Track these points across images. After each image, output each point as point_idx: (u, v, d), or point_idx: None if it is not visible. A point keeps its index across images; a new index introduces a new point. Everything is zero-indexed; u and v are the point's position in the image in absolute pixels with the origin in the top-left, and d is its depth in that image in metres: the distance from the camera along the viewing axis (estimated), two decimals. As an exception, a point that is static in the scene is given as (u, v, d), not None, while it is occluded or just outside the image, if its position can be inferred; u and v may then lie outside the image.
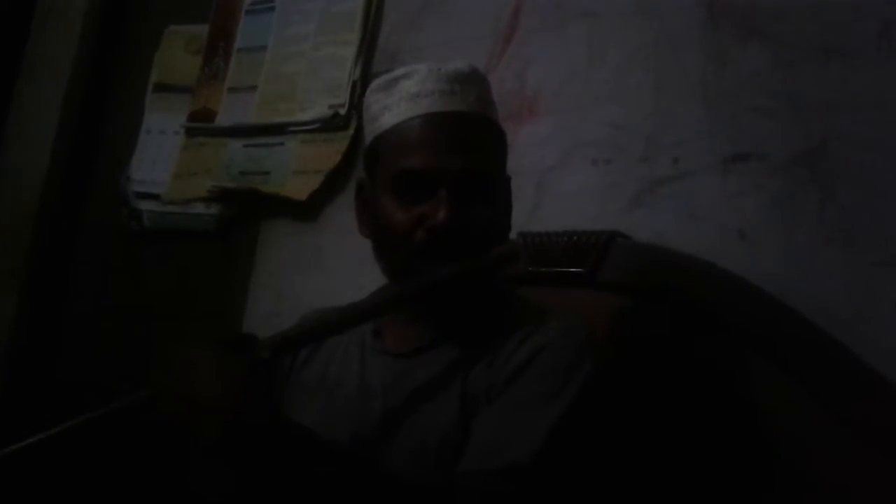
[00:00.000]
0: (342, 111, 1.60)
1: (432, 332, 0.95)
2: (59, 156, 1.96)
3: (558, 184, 1.34)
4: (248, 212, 1.70)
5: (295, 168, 1.63)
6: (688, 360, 1.08)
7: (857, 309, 1.06)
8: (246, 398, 0.77)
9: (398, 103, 0.95)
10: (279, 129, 1.68)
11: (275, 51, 1.74)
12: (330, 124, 1.61)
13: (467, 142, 0.93)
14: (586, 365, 0.87)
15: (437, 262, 0.90)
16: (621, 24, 1.35)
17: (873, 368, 0.99)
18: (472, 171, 0.92)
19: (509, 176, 1.03)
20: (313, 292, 1.56)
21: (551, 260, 1.18)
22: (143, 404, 0.82)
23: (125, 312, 1.80)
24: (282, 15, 1.75)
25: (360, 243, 1.03)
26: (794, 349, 1.03)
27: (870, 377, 0.99)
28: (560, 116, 1.37)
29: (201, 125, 1.80)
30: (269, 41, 1.76)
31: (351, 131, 1.58)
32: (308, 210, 1.61)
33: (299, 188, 1.61)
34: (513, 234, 1.22)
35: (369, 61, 1.63)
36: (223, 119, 1.77)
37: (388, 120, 0.96)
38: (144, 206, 1.81)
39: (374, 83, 1.02)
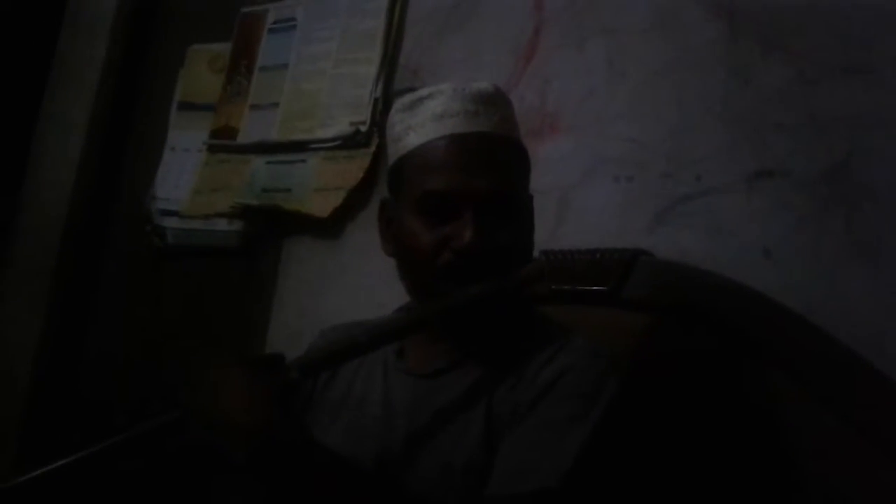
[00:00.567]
0: (363, 128, 1.61)
1: (456, 352, 0.95)
2: (85, 175, 1.98)
3: (580, 201, 1.34)
4: (270, 229, 1.71)
5: (316, 185, 1.64)
6: (712, 377, 1.07)
7: (882, 326, 1.05)
8: (275, 419, 0.78)
9: (422, 124, 0.96)
10: (301, 147, 1.69)
11: (296, 69, 1.76)
12: (351, 141, 1.62)
13: (491, 163, 0.94)
14: (611, 387, 0.87)
15: (462, 283, 0.90)
16: (642, 40, 1.35)
17: (898, 385, 0.98)
18: (496, 192, 0.92)
19: (532, 195, 1.03)
20: (336, 309, 1.56)
21: (574, 278, 1.17)
22: (173, 425, 0.83)
23: (149, 329, 1.81)
24: (303, 33, 1.77)
25: (383, 261, 1.03)
26: (819, 367, 1.02)
27: (894, 393, 0.98)
28: (581, 133, 1.37)
29: (223, 142, 1.81)
30: (291, 59, 1.77)
31: (372, 148, 1.59)
32: (330, 227, 1.62)
33: (321, 205, 1.62)
34: (535, 253, 1.23)
35: (391, 79, 1.64)
36: (245, 136, 1.79)
37: (412, 140, 0.96)
38: (168, 223, 1.83)
39: (398, 103, 1.02)
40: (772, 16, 1.23)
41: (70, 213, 1.96)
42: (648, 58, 1.33)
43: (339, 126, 1.64)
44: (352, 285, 1.58)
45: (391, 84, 1.63)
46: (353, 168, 1.60)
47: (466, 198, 0.91)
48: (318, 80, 1.71)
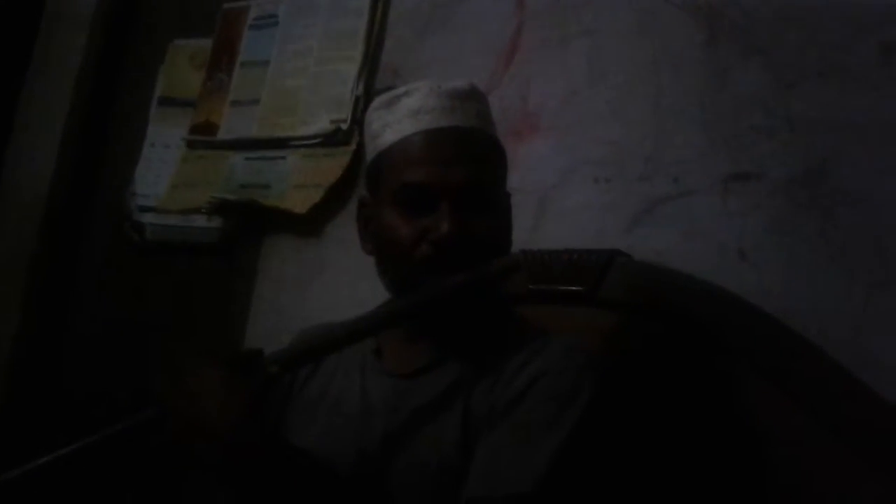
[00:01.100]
0: (344, 126, 1.61)
1: (433, 351, 0.95)
2: (63, 170, 1.96)
3: (559, 202, 1.35)
4: (250, 226, 1.71)
5: (296, 182, 1.64)
6: (685, 378, 1.08)
7: (855, 329, 1.06)
8: (247, 419, 0.78)
9: (400, 120, 0.97)
10: (281, 143, 1.69)
11: (278, 65, 1.75)
12: (331, 139, 1.62)
13: (468, 155, 0.94)
14: (587, 389, 0.87)
15: (440, 275, 0.91)
16: (622, 42, 1.36)
17: (870, 388, 0.99)
18: (473, 183, 0.93)
19: (509, 193, 1.04)
20: (316, 306, 1.56)
21: (552, 278, 1.18)
22: (150, 422, 0.82)
23: (128, 326, 1.80)
24: (285, 30, 1.76)
25: (362, 257, 1.03)
26: (792, 368, 1.03)
27: (867, 397, 0.99)
28: (561, 134, 1.38)
29: (203, 138, 1.80)
30: (273, 56, 1.76)
31: (352, 146, 1.59)
32: (310, 224, 1.62)
33: (300, 201, 1.61)
34: (514, 251, 1.23)
35: (372, 77, 1.63)
36: (225, 132, 1.77)
37: (389, 137, 0.97)
38: (146, 218, 1.81)
39: (376, 101, 1.03)
40: (750, 20, 1.24)
41: (48, 208, 1.94)
42: (629, 60, 1.34)
43: (320, 124, 1.63)
44: (331, 282, 1.58)
45: (372, 83, 1.63)
46: (332, 165, 1.59)
47: (443, 190, 0.92)
48: (300, 78, 1.70)
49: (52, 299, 1.92)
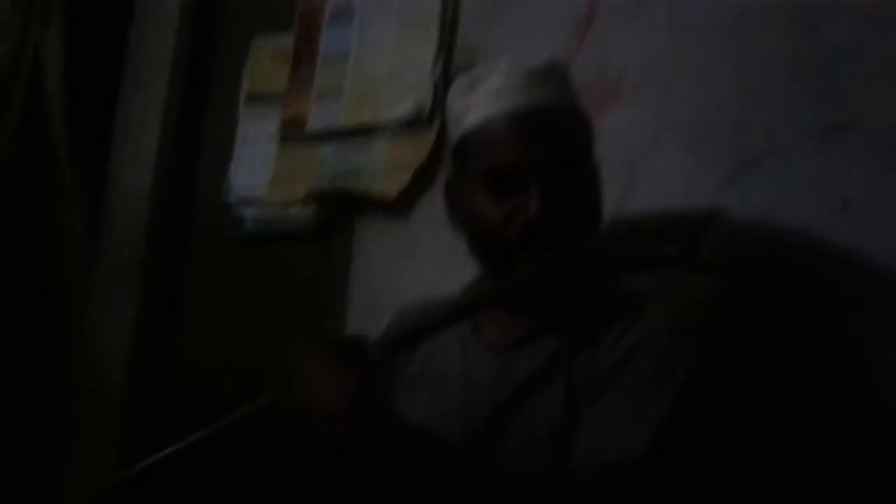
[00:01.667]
0: (426, 108, 1.63)
1: (531, 324, 0.96)
2: (163, 169, 2.06)
3: (648, 168, 1.33)
4: (342, 211, 1.75)
5: (384, 167, 1.67)
6: (793, 336, 1.06)
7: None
8: (363, 403, 0.80)
9: (481, 101, 0.97)
10: (367, 131, 1.72)
11: (357, 56, 1.79)
12: (415, 122, 1.64)
13: (552, 133, 0.94)
14: (690, 354, 0.87)
15: (533, 255, 0.91)
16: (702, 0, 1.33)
17: None
18: (559, 161, 0.93)
19: (597, 164, 1.03)
20: (410, 286, 1.59)
21: (648, 242, 1.17)
22: (263, 413, 0.86)
23: (233, 313, 1.88)
24: (362, 21, 1.79)
25: (452, 237, 1.05)
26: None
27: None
28: (645, 99, 1.36)
29: (293, 132, 1.86)
30: (352, 47, 1.80)
31: (436, 127, 1.61)
32: (400, 206, 1.65)
33: (390, 187, 1.65)
34: (605, 221, 1.23)
35: (450, 58, 1.65)
36: (313, 125, 1.82)
37: (471, 119, 0.97)
38: (246, 212, 1.89)
39: (456, 84, 1.04)
40: (839, -36, 1.19)
41: (151, 206, 2.04)
42: (711, 16, 1.31)
43: (403, 108, 1.66)
44: (424, 261, 1.60)
45: (450, 63, 1.64)
46: (418, 148, 1.62)
47: (530, 170, 0.92)
48: (379, 65, 1.73)
49: (163, 296, 2.03)
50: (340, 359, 0.84)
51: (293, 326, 1.76)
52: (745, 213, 1.17)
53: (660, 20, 1.37)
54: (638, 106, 1.37)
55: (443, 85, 1.61)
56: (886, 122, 1.12)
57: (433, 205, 1.57)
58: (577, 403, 0.88)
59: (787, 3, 1.23)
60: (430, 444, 0.81)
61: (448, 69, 1.64)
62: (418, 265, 1.61)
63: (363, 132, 1.72)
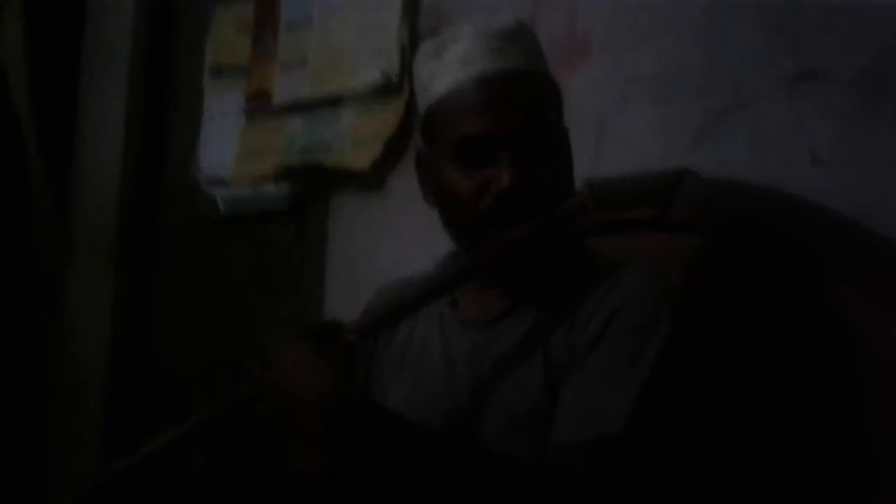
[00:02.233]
0: (394, 76, 1.60)
1: (508, 298, 0.96)
2: (131, 151, 2.02)
3: (619, 126, 1.32)
4: (316, 187, 1.74)
5: (354, 138, 1.65)
6: (768, 291, 1.06)
7: (941, 221, 1.03)
8: (341, 390, 0.80)
9: (448, 69, 0.95)
10: (334, 101, 1.69)
11: (320, 22, 1.75)
12: (383, 91, 1.62)
13: (522, 101, 0.93)
14: (665, 319, 0.88)
15: (505, 226, 0.91)
16: (667, -49, 1.30)
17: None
18: (530, 130, 0.92)
19: (567, 128, 1.02)
20: (388, 259, 1.59)
21: (620, 205, 1.17)
22: (245, 404, 0.86)
23: (210, 297, 1.87)
24: (323, -16, 1.75)
25: (428, 208, 1.04)
26: (877, 270, 1.01)
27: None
28: (613, 56, 1.35)
29: (258, 105, 1.82)
30: (314, 13, 1.76)
31: (405, 95, 1.58)
32: (373, 178, 1.63)
33: (361, 158, 1.63)
34: (579, 183, 1.22)
35: (415, 21, 1.62)
36: (279, 97, 1.79)
37: (440, 87, 0.95)
38: (217, 192, 1.86)
39: (421, 50, 1.01)
40: None
41: (121, 190, 2.00)
42: (676, -32, 1.29)
43: (370, 76, 1.63)
44: (400, 234, 1.60)
45: (416, 27, 1.61)
46: (388, 117, 1.60)
47: (501, 140, 0.91)
48: (343, 32, 1.70)
49: (138, 276, 2.01)
50: (318, 345, 0.84)
51: (272, 305, 1.75)
52: (716, 167, 1.17)
53: (624, -26, 1.34)
54: (606, 62, 1.36)
55: (409, 49, 1.58)
56: (853, 67, 1.11)
57: (406, 175, 1.56)
58: (556, 377, 0.88)
59: (750, -49, 1.22)
60: (410, 428, 0.82)
61: (414, 32, 1.61)
62: (395, 239, 1.60)
63: (331, 103, 1.70)
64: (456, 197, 0.94)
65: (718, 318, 1.03)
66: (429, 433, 0.83)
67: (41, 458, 1.97)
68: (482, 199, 0.92)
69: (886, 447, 0.97)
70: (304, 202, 1.76)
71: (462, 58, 0.94)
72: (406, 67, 1.57)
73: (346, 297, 1.60)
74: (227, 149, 1.86)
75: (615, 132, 1.33)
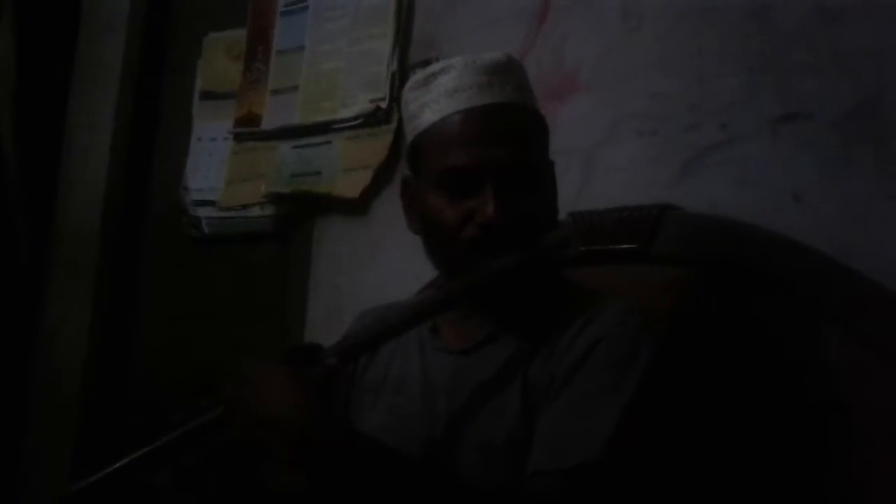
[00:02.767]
0: (383, 105, 1.61)
1: (489, 326, 0.96)
2: (116, 171, 2.02)
3: (605, 159, 1.34)
4: (302, 211, 1.74)
5: (344, 166, 1.66)
6: (749, 328, 1.07)
7: (921, 263, 1.04)
8: (315, 413, 0.79)
9: (436, 100, 0.96)
10: (324, 128, 1.70)
11: (312, 50, 1.77)
12: (373, 119, 1.63)
13: (509, 133, 0.94)
14: (645, 351, 0.88)
15: (489, 257, 0.91)
16: (656, -11, 1.33)
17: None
18: (515, 162, 0.92)
19: (552, 161, 1.03)
20: (372, 285, 1.59)
21: (604, 237, 1.18)
22: (215, 422, 0.84)
23: (192, 318, 1.86)
24: (316, 13, 1.77)
25: (413, 234, 1.04)
26: (859, 309, 1.02)
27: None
28: (601, 91, 1.36)
29: (248, 130, 1.83)
30: (306, 41, 1.78)
31: (394, 124, 1.60)
32: (360, 205, 1.64)
33: (350, 186, 1.63)
34: (563, 214, 1.23)
35: (406, 52, 1.63)
36: (269, 122, 1.80)
37: (427, 117, 0.97)
38: (203, 213, 1.86)
39: (411, 80, 1.03)
40: (788, -47, 1.20)
41: (105, 209, 2.01)
42: (664, 9, 1.31)
43: (360, 104, 1.65)
44: (385, 260, 1.60)
45: (407, 58, 1.63)
46: (377, 146, 1.61)
47: (486, 171, 0.91)
48: (335, 60, 1.71)
49: (119, 300, 1.99)
50: (294, 368, 0.84)
51: (253, 327, 1.74)
52: (700, 204, 1.18)
53: (613, 12, 1.37)
54: (593, 98, 1.37)
55: (400, 79, 1.60)
56: (836, 111, 1.13)
57: (393, 202, 1.55)
58: (535, 405, 0.88)
59: (737, -7, 1.24)
60: (385, 453, 0.81)
61: (405, 63, 1.63)
62: (380, 264, 1.60)
63: (320, 129, 1.70)
64: (440, 225, 0.94)
65: (701, 353, 1.03)
66: (403, 459, 0.82)
67: (15, 474, 1.93)
68: (466, 228, 0.92)
69: (874, 487, 0.96)
70: (289, 225, 1.75)
71: (451, 90, 0.95)
72: (396, 96, 1.58)
73: (329, 321, 1.60)
74: (215, 172, 1.86)
75: (601, 165, 1.34)
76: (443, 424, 0.92)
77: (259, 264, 1.79)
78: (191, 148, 1.93)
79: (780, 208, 1.14)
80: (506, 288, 0.93)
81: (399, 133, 1.57)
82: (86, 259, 1.99)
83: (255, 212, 1.78)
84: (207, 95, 1.95)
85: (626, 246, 1.15)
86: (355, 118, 1.65)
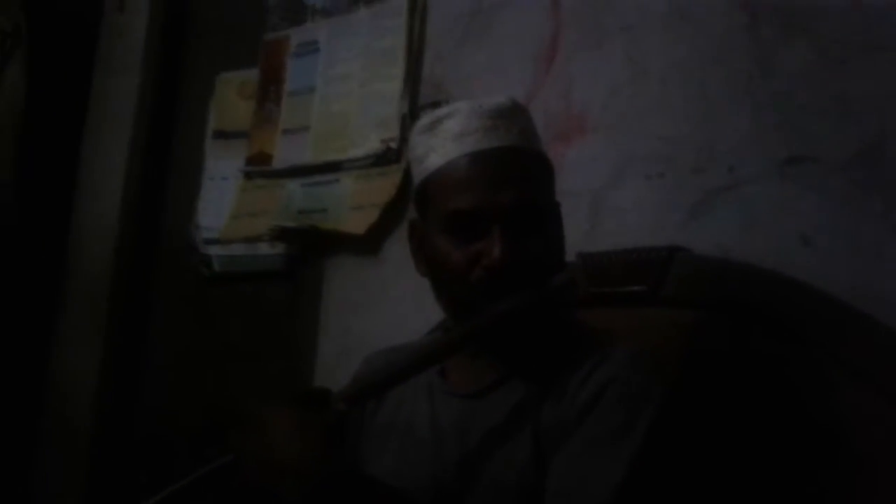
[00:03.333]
0: (393, 145, 1.63)
1: (498, 369, 0.96)
2: (129, 209, 2.04)
3: (613, 201, 1.34)
4: (312, 249, 1.75)
5: (351, 203, 1.67)
6: (759, 372, 1.07)
7: (928, 307, 1.04)
8: (325, 458, 0.80)
9: (443, 144, 0.97)
10: (334, 167, 1.72)
11: (323, 91, 1.79)
12: (383, 158, 1.64)
13: (515, 176, 0.95)
14: (655, 394, 0.88)
15: (496, 299, 0.91)
16: (661, 34, 1.35)
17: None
18: (522, 205, 0.93)
19: (559, 202, 1.04)
20: (381, 325, 1.59)
21: (612, 279, 1.18)
22: (225, 469, 0.85)
23: (202, 356, 1.86)
24: (327, 56, 1.80)
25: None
26: (868, 352, 1.01)
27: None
28: (609, 133, 1.38)
29: (259, 168, 1.85)
30: (318, 82, 1.80)
31: (403, 164, 1.61)
32: (370, 244, 1.65)
33: (357, 223, 1.64)
34: (571, 256, 1.23)
35: (416, 93, 1.65)
36: (279, 161, 1.82)
37: (434, 161, 0.98)
38: (213, 251, 1.88)
39: (418, 124, 1.04)
40: (791, -1, 1.22)
41: (118, 247, 2.02)
42: (669, 52, 1.33)
43: (370, 144, 1.66)
44: (395, 299, 1.60)
45: (417, 99, 1.65)
46: (386, 184, 1.62)
47: (493, 214, 0.92)
48: (346, 101, 1.74)
49: (129, 338, 2.00)
50: (303, 412, 0.84)
51: (262, 366, 1.74)
52: (708, 247, 1.19)
53: (620, 56, 1.38)
54: (601, 140, 1.39)
55: (410, 120, 1.61)
56: (842, 154, 1.14)
57: (403, 242, 1.56)
58: (545, 450, 0.88)
59: (742, 37, 1.26)
60: (394, 498, 0.81)
61: (415, 104, 1.65)
62: (389, 303, 1.61)
63: (330, 169, 1.72)
64: (447, 268, 0.95)
65: (711, 396, 1.03)
66: (411, 502, 0.81)
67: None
68: (474, 271, 0.93)
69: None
70: (299, 264, 1.76)
71: (457, 134, 0.97)
72: (405, 137, 1.60)
73: (338, 361, 1.59)
74: (226, 210, 1.88)
75: (609, 207, 1.35)
76: (452, 469, 0.92)
77: (269, 303, 1.80)
78: (202, 186, 1.95)
79: (789, 251, 1.14)
80: (513, 331, 0.93)
81: (409, 173, 1.58)
82: (97, 297, 1.99)
83: (265, 250, 1.79)
84: (219, 134, 1.98)
85: (634, 288, 1.16)
86: (365, 157, 1.67)
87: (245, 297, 1.85)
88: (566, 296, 0.96)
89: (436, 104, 1.50)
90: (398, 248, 1.60)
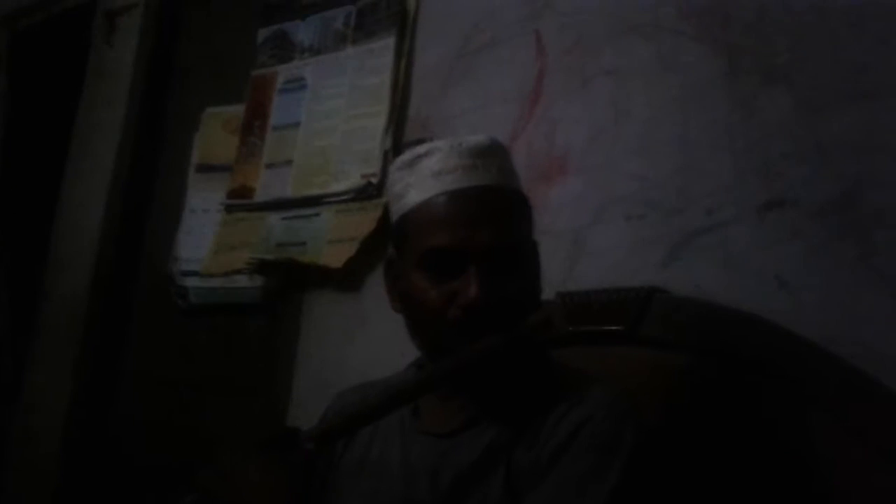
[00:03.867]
0: (374, 180, 1.64)
1: (472, 409, 0.95)
2: (108, 239, 2.03)
3: (593, 241, 1.35)
4: (291, 283, 1.74)
5: (331, 237, 1.67)
6: (735, 412, 1.06)
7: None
8: (290, 501, 0.80)
9: (422, 181, 0.97)
10: (315, 201, 1.72)
11: (308, 126, 1.80)
12: (363, 193, 1.65)
13: (492, 215, 0.94)
14: (630, 434, 0.87)
15: (472, 338, 0.90)
16: (644, 79, 1.36)
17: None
18: (499, 244, 0.93)
19: (536, 241, 1.03)
20: (359, 359, 1.58)
21: (591, 318, 1.18)
22: None
23: (176, 387, 1.84)
24: (313, 92, 1.81)
25: (397, 313, 1.05)
26: (842, 396, 1.01)
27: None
28: (590, 174, 1.38)
29: (240, 202, 1.85)
30: (303, 117, 1.81)
31: (384, 199, 1.61)
32: (349, 278, 1.64)
33: (335, 256, 1.64)
34: (551, 294, 1.24)
35: (400, 130, 1.66)
36: (261, 195, 1.82)
37: (412, 198, 0.98)
38: (190, 283, 1.86)
39: (397, 161, 1.04)
40: (770, 47, 1.24)
41: (95, 278, 2.00)
42: (651, 97, 1.35)
43: (352, 180, 1.67)
44: (374, 334, 1.59)
45: (401, 136, 1.66)
46: (365, 219, 1.62)
47: (469, 252, 0.92)
48: (330, 137, 1.75)
49: (102, 368, 1.97)
50: (270, 456, 0.83)
51: (240, 400, 1.71)
52: (686, 288, 1.19)
53: (603, 99, 1.40)
54: (583, 181, 1.40)
55: (393, 156, 1.62)
56: (819, 199, 1.15)
57: (382, 277, 1.57)
58: (517, 491, 0.86)
59: (722, 83, 1.28)
60: None
61: (398, 141, 1.66)
62: (367, 337, 1.60)
63: (311, 203, 1.72)
64: (423, 306, 0.94)
65: (688, 436, 1.02)
66: None
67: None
68: (449, 309, 0.92)
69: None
70: (277, 297, 1.75)
71: (436, 171, 0.97)
72: (387, 173, 1.60)
73: (315, 395, 1.57)
74: (206, 243, 1.87)
75: (589, 247, 1.35)
76: (424, 510, 0.90)
77: (247, 336, 1.78)
78: (183, 218, 1.94)
79: (765, 293, 1.14)
80: (487, 371, 0.92)
81: (389, 208, 1.58)
82: (72, 327, 1.97)
83: (243, 282, 1.77)
84: (202, 168, 1.98)
85: (613, 327, 1.16)
86: (346, 192, 1.67)
87: (222, 330, 1.83)
88: (541, 336, 0.95)
89: (420, 141, 1.51)
90: (377, 282, 1.58)
